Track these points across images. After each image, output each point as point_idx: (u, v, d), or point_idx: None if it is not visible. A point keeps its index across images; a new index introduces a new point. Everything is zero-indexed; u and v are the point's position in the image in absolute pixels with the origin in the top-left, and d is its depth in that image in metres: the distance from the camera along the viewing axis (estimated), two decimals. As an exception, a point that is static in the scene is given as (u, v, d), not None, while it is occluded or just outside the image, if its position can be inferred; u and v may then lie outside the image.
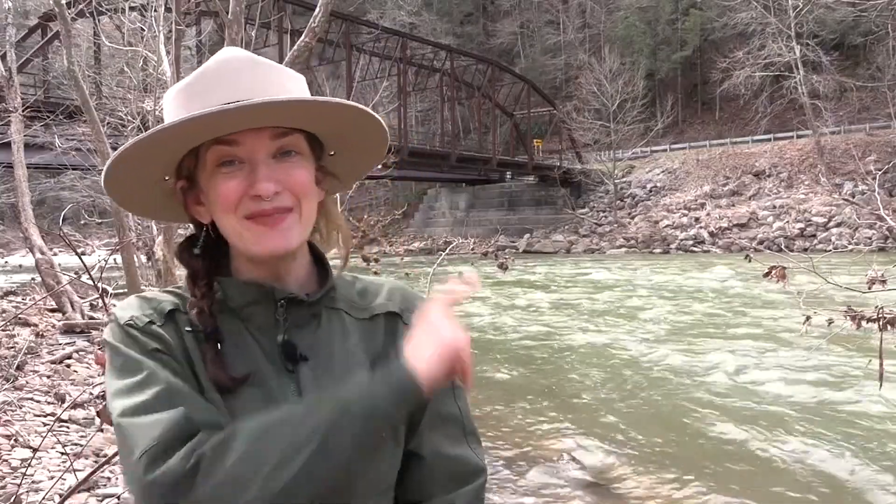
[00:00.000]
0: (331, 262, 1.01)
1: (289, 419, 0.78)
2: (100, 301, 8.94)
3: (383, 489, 0.93)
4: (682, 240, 38.44)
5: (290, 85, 0.91)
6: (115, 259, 7.05)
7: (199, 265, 0.93)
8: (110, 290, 9.69)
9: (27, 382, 5.83)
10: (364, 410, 0.77)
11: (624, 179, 45.97)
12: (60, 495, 2.86)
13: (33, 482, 3.56)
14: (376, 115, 0.92)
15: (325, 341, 0.94)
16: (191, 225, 0.99)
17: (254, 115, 0.84)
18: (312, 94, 0.93)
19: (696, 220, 39.96)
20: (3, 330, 7.24)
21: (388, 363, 0.83)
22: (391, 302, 1.01)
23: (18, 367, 6.01)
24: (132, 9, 9.00)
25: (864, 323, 3.23)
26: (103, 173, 0.89)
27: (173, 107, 0.90)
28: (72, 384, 6.05)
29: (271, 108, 0.84)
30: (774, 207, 38.28)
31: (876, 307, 3.15)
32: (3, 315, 9.00)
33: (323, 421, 0.77)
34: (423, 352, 0.80)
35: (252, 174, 0.87)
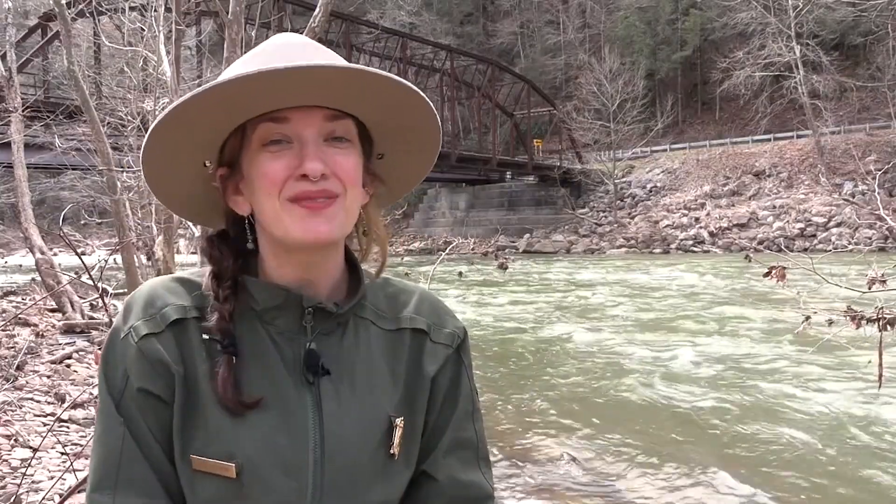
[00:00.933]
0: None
1: None
2: (100, 301, 8.95)
3: None
4: (682, 240, 38.44)
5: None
6: (115, 259, 7.05)
7: (228, 264, 0.87)
8: (110, 290, 9.70)
9: (27, 382, 5.82)
10: None
11: (624, 179, 45.96)
12: (60, 495, 2.86)
13: (33, 482, 3.56)
14: (431, 104, 0.86)
15: (349, 353, 0.90)
16: (199, 227, 0.97)
17: (306, 84, 0.79)
18: None
19: (696, 220, 39.96)
20: (3, 330, 7.24)
21: None
22: (419, 316, 0.96)
23: (18, 367, 6.01)
24: (132, 9, 8.99)
25: (863, 323, 3.23)
26: (144, 143, 0.83)
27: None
28: (72, 384, 6.04)
29: (324, 78, 0.79)
30: (774, 207, 38.28)
31: (876, 307, 3.15)
32: (3, 315, 9.00)
33: None
34: None
35: (300, 154, 0.82)
